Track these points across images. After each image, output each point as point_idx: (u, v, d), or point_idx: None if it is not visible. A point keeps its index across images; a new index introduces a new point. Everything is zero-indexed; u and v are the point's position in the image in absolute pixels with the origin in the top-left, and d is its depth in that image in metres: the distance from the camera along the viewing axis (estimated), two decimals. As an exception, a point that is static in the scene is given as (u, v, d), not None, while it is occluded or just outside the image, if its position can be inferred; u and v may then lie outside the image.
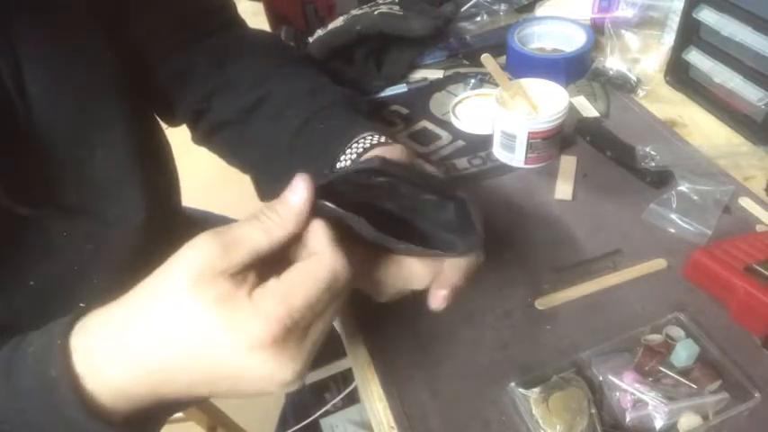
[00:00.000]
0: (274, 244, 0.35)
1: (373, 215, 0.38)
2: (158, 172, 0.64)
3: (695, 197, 0.63)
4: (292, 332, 0.33)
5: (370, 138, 0.54)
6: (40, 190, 0.48)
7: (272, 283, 0.34)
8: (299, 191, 0.36)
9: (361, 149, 0.53)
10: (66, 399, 0.34)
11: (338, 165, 0.54)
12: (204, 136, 0.66)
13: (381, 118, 0.81)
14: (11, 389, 0.36)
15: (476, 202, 0.41)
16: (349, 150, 0.54)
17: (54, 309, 0.50)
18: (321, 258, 0.35)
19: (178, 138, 0.70)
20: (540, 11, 0.95)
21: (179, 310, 0.33)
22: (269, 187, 0.63)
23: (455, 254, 0.41)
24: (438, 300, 0.43)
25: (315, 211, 0.37)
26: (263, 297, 0.33)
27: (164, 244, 0.58)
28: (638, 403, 0.47)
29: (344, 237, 0.38)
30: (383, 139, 0.55)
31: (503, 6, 0.97)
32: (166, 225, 0.63)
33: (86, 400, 0.35)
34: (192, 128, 0.67)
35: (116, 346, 0.35)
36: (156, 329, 0.34)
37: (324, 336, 0.36)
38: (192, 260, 0.34)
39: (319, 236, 0.36)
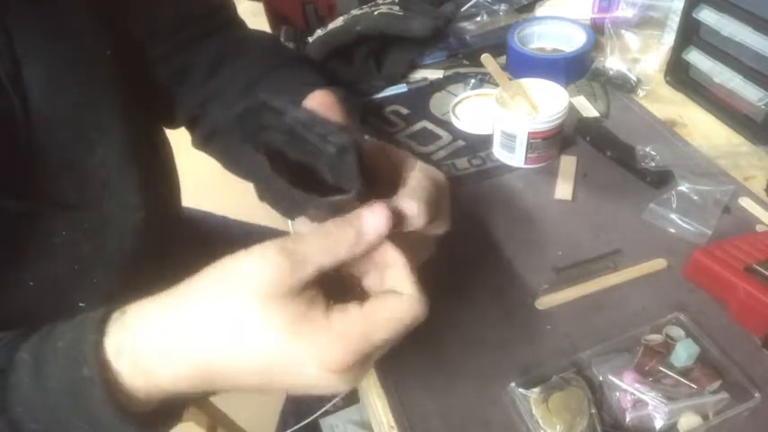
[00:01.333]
0: (339, 262, 0.34)
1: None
2: (158, 172, 0.64)
3: (695, 197, 0.63)
4: (365, 361, 0.34)
5: None
6: (40, 188, 0.48)
7: (355, 311, 0.34)
8: (380, 216, 0.35)
9: None
10: (97, 399, 0.33)
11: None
12: (201, 141, 0.66)
13: (381, 118, 0.81)
14: (40, 386, 0.35)
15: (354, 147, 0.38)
16: None
17: (54, 308, 0.50)
18: (411, 303, 0.35)
19: (179, 138, 0.70)
20: (540, 11, 0.95)
21: (249, 328, 0.32)
22: (266, 190, 0.63)
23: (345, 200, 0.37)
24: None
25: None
26: (345, 323, 0.33)
27: (163, 244, 0.59)
28: (638, 403, 0.47)
29: None
30: (373, 140, 0.55)
31: (503, 6, 0.97)
32: (166, 225, 0.63)
33: (120, 401, 0.34)
34: (190, 132, 0.67)
35: (170, 350, 0.34)
36: (221, 343, 0.33)
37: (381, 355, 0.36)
38: (260, 275, 0.33)
39: (404, 274, 0.36)
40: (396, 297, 0.35)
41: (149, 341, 0.34)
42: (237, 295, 0.33)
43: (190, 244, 0.77)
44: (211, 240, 0.87)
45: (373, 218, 0.35)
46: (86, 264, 0.52)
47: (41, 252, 0.49)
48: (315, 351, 0.32)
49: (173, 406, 0.38)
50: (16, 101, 0.45)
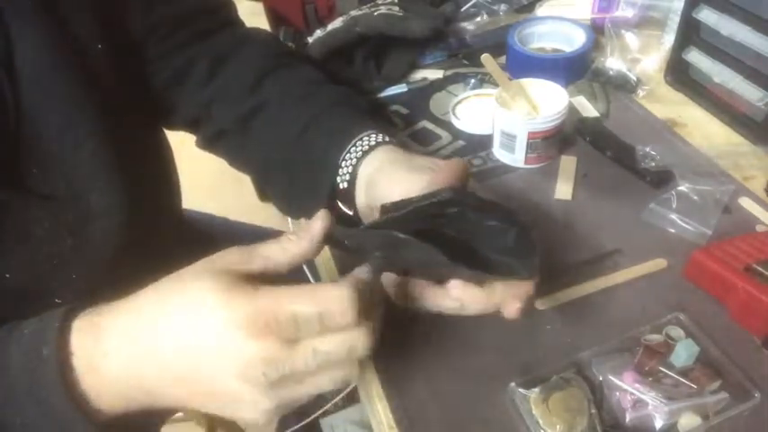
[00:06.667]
0: (288, 260, 0.39)
1: (434, 238, 0.41)
2: (152, 171, 0.64)
3: (695, 197, 0.63)
4: (273, 334, 0.35)
5: (367, 138, 0.54)
6: (25, 177, 0.47)
7: (282, 286, 0.36)
8: (318, 219, 0.40)
9: (360, 153, 0.53)
10: (50, 379, 0.36)
11: (342, 168, 0.54)
12: (206, 142, 0.66)
13: (381, 118, 0.80)
14: (1, 365, 0.37)
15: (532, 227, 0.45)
16: (354, 149, 0.54)
17: (29, 303, 0.49)
18: (328, 288, 0.36)
19: (180, 139, 0.70)
20: (540, 11, 0.95)
21: (183, 295, 0.36)
22: (272, 191, 0.63)
23: (521, 277, 0.44)
24: (513, 311, 0.44)
25: (329, 236, 0.41)
26: (265, 291, 0.35)
27: (153, 245, 0.58)
28: (638, 403, 0.47)
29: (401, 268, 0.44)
30: (385, 138, 0.55)
31: (503, 6, 0.97)
32: (159, 226, 0.62)
33: (71, 387, 0.36)
34: (194, 133, 0.67)
35: (119, 332, 0.37)
36: (158, 311, 0.37)
37: (304, 393, 0.37)
38: (211, 262, 0.37)
39: (348, 278, 0.39)
40: (328, 284, 0.37)
41: (112, 326, 0.38)
42: (189, 276, 0.37)
43: (191, 245, 0.77)
44: (213, 242, 0.87)
45: (316, 220, 0.40)
46: (66, 259, 0.50)
47: (21, 243, 0.48)
48: (230, 306, 0.35)
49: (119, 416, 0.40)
50: (7, 85, 0.44)
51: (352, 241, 0.43)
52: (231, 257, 0.37)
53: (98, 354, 0.37)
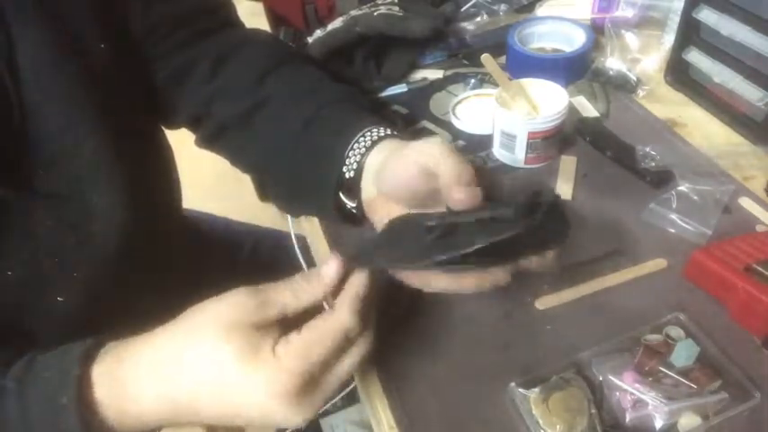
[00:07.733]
0: (302, 306, 0.40)
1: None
2: (153, 171, 0.64)
3: (695, 197, 0.63)
4: (309, 384, 0.38)
5: (376, 130, 0.54)
6: (28, 176, 0.47)
7: (294, 338, 0.38)
8: (331, 265, 0.41)
9: (369, 143, 0.54)
10: (71, 426, 0.37)
11: (350, 158, 0.54)
12: (206, 140, 0.66)
13: (381, 118, 0.80)
14: (23, 414, 0.38)
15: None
16: (357, 145, 0.54)
17: (32, 301, 0.49)
18: (336, 317, 0.39)
19: (180, 140, 0.70)
20: (540, 11, 0.95)
21: (211, 355, 0.38)
22: (273, 188, 0.63)
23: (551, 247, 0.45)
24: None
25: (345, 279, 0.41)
26: (287, 353, 0.38)
27: (153, 244, 0.58)
28: (638, 403, 0.47)
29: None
30: (389, 131, 0.55)
31: (503, 6, 0.97)
32: (160, 226, 0.63)
33: (93, 429, 0.38)
34: (194, 131, 0.67)
35: (148, 382, 0.39)
36: (190, 371, 0.38)
37: (335, 389, 0.40)
38: (229, 311, 0.39)
39: (344, 295, 0.41)
40: (324, 315, 0.40)
41: (136, 375, 0.39)
42: (208, 329, 0.38)
43: (191, 246, 0.77)
44: (213, 242, 0.87)
45: (327, 267, 0.41)
46: (69, 257, 0.51)
47: (24, 241, 0.48)
48: (261, 381, 0.37)
49: None
50: (10, 82, 0.45)
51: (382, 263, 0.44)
52: (246, 307, 0.39)
53: (126, 398, 0.39)
